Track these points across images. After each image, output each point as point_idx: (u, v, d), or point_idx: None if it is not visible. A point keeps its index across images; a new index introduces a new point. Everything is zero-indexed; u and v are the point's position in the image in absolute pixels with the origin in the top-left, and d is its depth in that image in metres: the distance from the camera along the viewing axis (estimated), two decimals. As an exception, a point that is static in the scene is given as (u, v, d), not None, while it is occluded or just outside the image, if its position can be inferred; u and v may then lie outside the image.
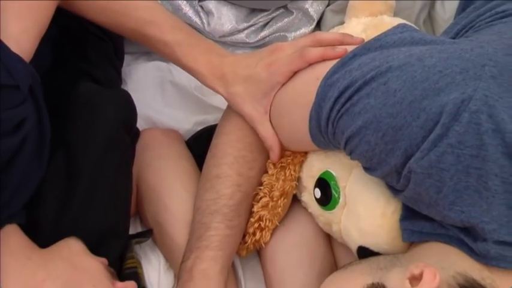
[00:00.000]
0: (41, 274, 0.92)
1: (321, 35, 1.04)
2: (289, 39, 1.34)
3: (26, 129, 0.93)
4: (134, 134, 1.14)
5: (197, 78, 1.11)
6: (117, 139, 1.06)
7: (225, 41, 1.35)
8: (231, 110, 1.12)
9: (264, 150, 1.10)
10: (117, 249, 1.08)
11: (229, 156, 1.09)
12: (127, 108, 1.10)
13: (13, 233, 0.96)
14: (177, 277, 1.08)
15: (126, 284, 0.99)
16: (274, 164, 1.09)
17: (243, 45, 1.36)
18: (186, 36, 1.10)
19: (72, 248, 0.99)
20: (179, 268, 1.07)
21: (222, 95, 1.09)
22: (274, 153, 1.05)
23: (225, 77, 1.08)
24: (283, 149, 1.08)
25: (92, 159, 1.03)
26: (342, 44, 1.02)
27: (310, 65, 1.00)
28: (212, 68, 1.09)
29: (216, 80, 1.08)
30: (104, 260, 1.00)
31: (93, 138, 1.03)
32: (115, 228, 1.07)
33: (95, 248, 1.03)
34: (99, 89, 1.09)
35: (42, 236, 1.00)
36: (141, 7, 1.11)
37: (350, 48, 0.97)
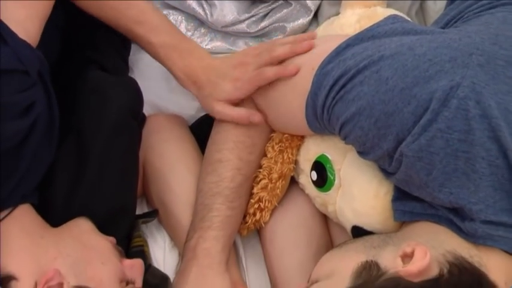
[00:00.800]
0: (52, 252, 0.92)
1: (276, 51, 1.05)
2: (288, 29, 1.34)
3: (35, 112, 0.93)
4: (141, 120, 1.14)
5: (175, 79, 1.13)
6: (125, 124, 1.06)
7: (227, 31, 1.35)
8: None
9: (262, 135, 1.11)
10: (125, 228, 1.09)
11: (229, 142, 1.09)
12: (134, 94, 1.10)
13: (27, 213, 0.96)
14: (181, 255, 1.09)
15: (134, 262, 0.99)
16: (273, 148, 1.09)
17: (244, 34, 1.35)
18: (170, 39, 1.11)
19: (82, 227, 0.99)
20: (183, 247, 1.08)
21: (196, 96, 1.11)
22: (258, 117, 1.08)
23: (199, 82, 1.10)
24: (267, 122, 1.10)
25: (101, 143, 1.03)
26: (294, 54, 1.04)
27: (308, 54, 1.01)
28: (188, 72, 1.10)
29: (191, 83, 1.10)
30: (112, 239, 1.01)
31: (102, 123, 1.03)
32: (123, 208, 1.08)
33: (104, 227, 1.03)
34: (106, 76, 1.09)
35: (54, 215, 1.00)
36: (133, 6, 1.11)
37: (302, 63, 1.01)
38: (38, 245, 0.93)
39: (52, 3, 1.01)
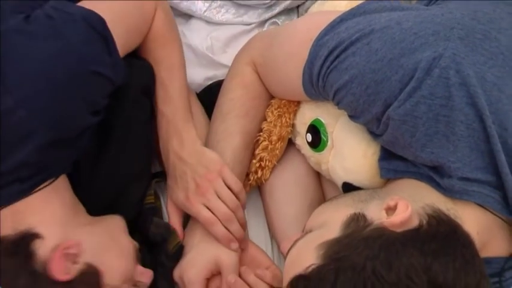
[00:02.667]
0: (81, 231, 0.93)
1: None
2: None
3: (101, 117, 0.95)
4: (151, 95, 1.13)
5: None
6: (140, 101, 1.06)
7: (240, 3, 1.30)
8: (235, 71, 1.13)
9: (263, 103, 1.11)
10: (142, 189, 1.09)
11: (233, 111, 1.09)
12: (148, 74, 1.09)
13: (67, 188, 0.96)
14: None
15: (146, 270, 0.99)
16: (272, 113, 1.09)
17: (258, 6, 1.31)
18: (171, 110, 1.08)
19: (116, 223, 0.99)
20: None
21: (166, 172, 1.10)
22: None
23: (169, 166, 1.07)
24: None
25: (120, 118, 1.04)
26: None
27: (306, 27, 1.01)
28: (164, 148, 1.08)
29: (165, 161, 1.09)
30: (136, 244, 1.00)
31: (121, 99, 1.03)
32: (140, 174, 1.08)
33: (125, 188, 1.05)
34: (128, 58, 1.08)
35: (82, 180, 1.00)
36: (164, 66, 1.09)
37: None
38: (71, 220, 0.93)
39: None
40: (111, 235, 0.96)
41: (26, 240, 0.87)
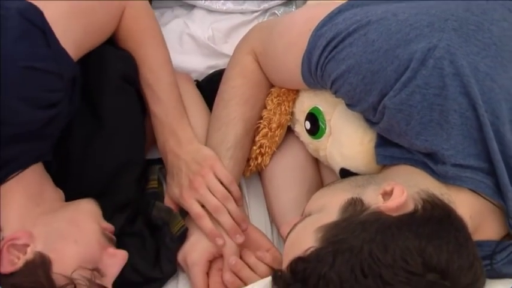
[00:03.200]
0: (40, 219, 0.91)
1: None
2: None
3: (58, 110, 0.92)
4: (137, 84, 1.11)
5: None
6: (122, 87, 1.05)
7: None
8: (235, 60, 1.12)
9: (263, 91, 1.11)
10: (136, 172, 1.08)
11: (234, 99, 1.09)
12: (127, 64, 1.07)
13: (36, 175, 0.95)
14: None
15: (117, 252, 0.94)
16: (272, 101, 1.09)
17: None
18: (163, 111, 1.07)
19: (83, 206, 0.97)
20: None
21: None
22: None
23: (167, 164, 1.08)
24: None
25: (105, 102, 1.03)
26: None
27: (304, 17, 1.01)
28: (162, 148, 1.08)
29: (164, 160, 1.09)
30: (110, 227, 0.98)
31: (102, 87, 1.02)
32: (131, 160, 1.07)
33: (119, 173, 1.04)
34: (106, 47, 1.06)
35: (72, 165, 1.00)
36: (146, 67, 1.07)
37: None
38: (31, 210, 0.91)
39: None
40: (72, 221, 0.93)
41: None
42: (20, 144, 0.89)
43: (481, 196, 0.88)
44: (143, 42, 1.08)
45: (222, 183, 1.03)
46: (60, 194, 0.98)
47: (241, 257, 1.03)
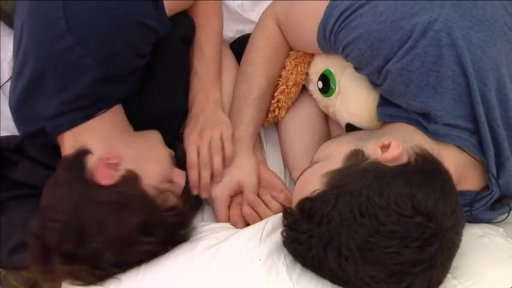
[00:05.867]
0: (123, 145, 0.94)
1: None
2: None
3: (145, 59, 0.96)
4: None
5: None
6: (179, 49, 1.06)
7: None
8: (261, 25, 1.11)
9: (283, 52, 1.10)
10: (179, 119, 1.10)
11: (260, 57, 1.08)
12: (188, 28, 1.09)
13: (119, 112, 0.98)
14: None
15: (180, 172, 0.99)
16: (290, 62, 1.09)
17: None
18: (204, 70, 1.08)
19: (153, 136, 1.01)
20: None
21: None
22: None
23: (191, 111, 1.08)
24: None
25: (162, 62, 1.04)
26: None
27: None
28: (192, 98, 1.08)
29: (190, 108, 1.08)
30: (172, 152, 1.01)
31: (165, 45, 1.02)
32: (177, 109, 1.09)
33: (165, 118, 1.06)
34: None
35: (129, 107, 1.01)
36: (203, 31, 1.09)
37: None
38: (116, 138, 0.95)
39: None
40: (149, 145, 0.98)
41: (80, 155, 0.89)
42: (109, 86, 0.92)
43: (466, 152, 0.89)
44: (209, 12, 1.10)
45: (222, 149, 1.04)
46: (130, 127, 1.01)
47: (258, 195, 1.04)
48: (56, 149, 0.97)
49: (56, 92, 0.90)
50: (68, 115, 0.92)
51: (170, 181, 0.96)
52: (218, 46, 1.11)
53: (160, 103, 1.05)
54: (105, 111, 0.94)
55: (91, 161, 0.89)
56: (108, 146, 0.92)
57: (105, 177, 0.88)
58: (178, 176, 0.99)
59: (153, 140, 1.00)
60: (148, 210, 0.88)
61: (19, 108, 0.97)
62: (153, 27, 0.93)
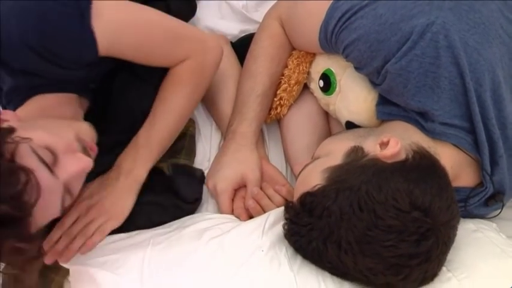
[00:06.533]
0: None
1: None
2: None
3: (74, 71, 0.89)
4: None
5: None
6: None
7: None
8: (264, 25, 1.11)
9: (286, 52, 1.10)
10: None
11: (262, 56, 1.08)
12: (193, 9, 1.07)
13: (53, 105, 0.94)
14: (224, 136, 1.11)
15: (82, 156, 0.81)
16: (292, 61, 1.08)
17: None
18: (144, 140, 0.96)
19: (76, 122, 0.91)
20: (226, 130, 1.09)
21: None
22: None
23: (107, 176, 0.95)
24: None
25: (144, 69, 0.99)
26: None
27: None
28: (118, 161, 0.96)
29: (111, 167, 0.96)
30: (91, 144, 0.87)
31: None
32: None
33: (143, 119, 1.00)
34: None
35: (111, 107, 1.00)
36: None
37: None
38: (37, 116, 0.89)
39: None
40: (55, 122, 0.85)
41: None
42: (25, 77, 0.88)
43: (462, 150, 0.89)
44: (177, 85, 0.99)
45: None
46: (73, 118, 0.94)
47: (261, 189, 1.03)
48: None
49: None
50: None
51: (56, 155, 0.77)
52: (170, 125, 0.98)
53: (137, 104, 1.01)
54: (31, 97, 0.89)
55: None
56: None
57: None
58: (74, 158, 0.79)
59: (69, 123, 0.88)
60: None
61: None
62: (65, 45, 0.81)
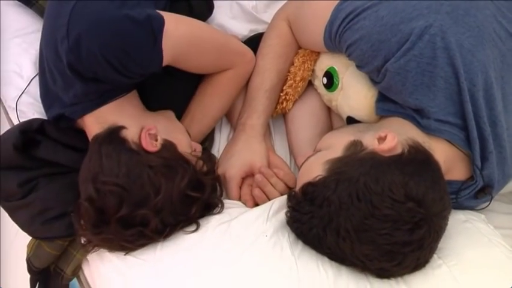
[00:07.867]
0: (151, 120, 0.94)
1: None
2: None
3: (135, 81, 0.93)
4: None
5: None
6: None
7: None
8: (273, 25, 1.11)
9: (292, 50, 1.09)
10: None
11: (271, 54, 1.08)
12: (210, 9, 1.09)
13: (136, 97, 0.98)
14: (234, 128, 1.11)
15: (196, 144, 1.00)
16: (298, 59, 1.08)
17: None
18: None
19: (170, 114, 1.01)
20: (236, 123, 1.09)
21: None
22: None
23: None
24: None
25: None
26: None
27: None
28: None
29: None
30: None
31: None
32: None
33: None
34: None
35: (151, 99, 1.01)
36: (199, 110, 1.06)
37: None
38: (141, 115, 0.95)
39: None
40: (171, 120, 0.98)
41: (115, 131, 0.89)
42: (104, 84, 0.90)
43: (454, 146, 0.89)
44: (217, 93, 1.06)
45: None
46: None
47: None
48: (77, 131, 0.97)
49: (65, 90, 0.91)
50: (82, 104, 0.91)
51: (192, 150, 0.96)
52: (204, 130, 1.08)
53: (170, 99, 1.04)
54: (122, 96, 0.93)
55: (130, 134, 0.89)
56: (138, 121, 0.92)
57: (150, 145, 0.88)
58: (197, 146, 0.99)
59: (171, 116, 1.00)
60: (191, 172, 0.89)
61: (45, 97, 1.00)
62: (137, 61, 0.86)
